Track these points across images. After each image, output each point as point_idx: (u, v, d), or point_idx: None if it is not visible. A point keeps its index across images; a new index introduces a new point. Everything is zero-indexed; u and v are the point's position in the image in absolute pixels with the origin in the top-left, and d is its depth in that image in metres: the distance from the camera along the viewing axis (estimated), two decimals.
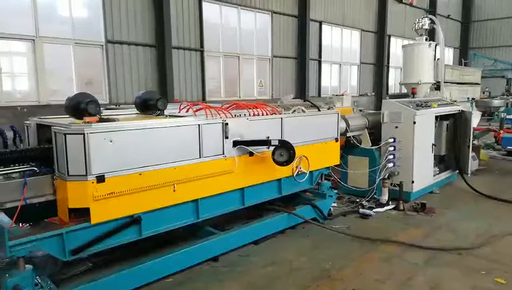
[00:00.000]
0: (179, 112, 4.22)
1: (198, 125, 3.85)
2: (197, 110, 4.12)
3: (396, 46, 21.51)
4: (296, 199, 5.50)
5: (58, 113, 4.20)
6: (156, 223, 3.73)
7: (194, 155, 3.84)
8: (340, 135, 5.71)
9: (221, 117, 4.12)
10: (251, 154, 4.35)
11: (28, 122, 4.04)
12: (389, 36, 20.86)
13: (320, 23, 16.86)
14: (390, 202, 6.20)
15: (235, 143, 4.19)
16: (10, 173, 3.26)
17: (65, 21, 9.49)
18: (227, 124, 4.08)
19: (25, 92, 9.20)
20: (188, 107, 4.23)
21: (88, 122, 3.26)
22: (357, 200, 6.40)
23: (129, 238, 3.58)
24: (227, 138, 4.10)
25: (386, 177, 6.28)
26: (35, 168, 3.35)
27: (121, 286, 3.50)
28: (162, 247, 4.16)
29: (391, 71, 21.71)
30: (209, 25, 12.65)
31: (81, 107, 3.49)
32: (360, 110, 8.40)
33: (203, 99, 12.44)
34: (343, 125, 6.04)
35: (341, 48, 18.49)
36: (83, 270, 3.90)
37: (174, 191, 3.70)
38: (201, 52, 12.45)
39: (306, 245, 4.79)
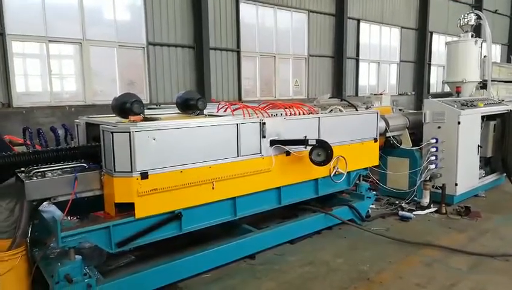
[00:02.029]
0: (217, 112, 4.31)
1: (237, 124, 3.92)
2: (234, 110, 4.19)
3: (438, 43, 20.62)
4: (333, 200, 5.44)
5: (102, 112, 4.43)
6: (195, 220, 3.83)
7: (232, 154, 3.91)
8: (380, 135, 5.59)
9: (258, 117, 4.16)
10: (288, 153, 4.36)
11: (77, 121, 4.28)
12: (431, 33, 20.01)
13: (358, 21, 16.51)
14: (431, 205, 6.00)
15: (272, 142, 4.21)
16: (62, 168, 3.48)
17: (110, 24, 9.93)
18: (264, 123, 4.12)
19: (72, 92, 9.70)
20: (226, 106, 4.30)
21: (133, 121, 3.41)
22: (397, 202, 6.24)
23: (170, 233, 3.71)
24: (264, 137, 4.14)
25: (428, 179, 6.07)
26: (85, 165, 3.55)
27: (161, 279, 3.63)
28: (195, 245, 4.20)
29: (433, 69, 20.83)
30: (245, 26, 12.75)
31: (126, 106, 3.65)
32: (400, 110, 8.15)
33: (239, 99, 12.56)
34: (382, 125, 5.90)
35: (380, 45, 17.98)
36: (126, 262, 4.07)
37: (213, 188, 3.79)
38: (238, 52, 12.57)
39: (343, 246, 4.74)
